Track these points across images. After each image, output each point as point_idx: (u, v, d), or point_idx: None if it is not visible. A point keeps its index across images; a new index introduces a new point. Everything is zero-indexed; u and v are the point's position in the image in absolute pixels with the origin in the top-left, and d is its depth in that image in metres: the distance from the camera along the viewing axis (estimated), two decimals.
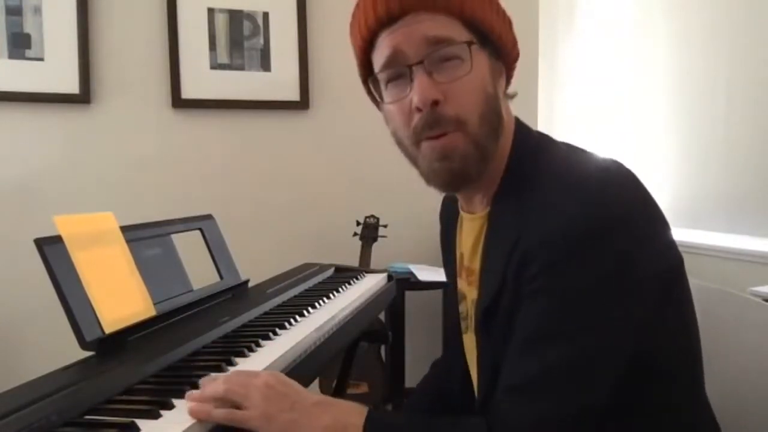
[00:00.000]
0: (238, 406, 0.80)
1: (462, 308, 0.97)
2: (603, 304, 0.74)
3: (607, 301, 0.74)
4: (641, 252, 0.76)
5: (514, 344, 0.78)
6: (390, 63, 0.82)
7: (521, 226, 0.78)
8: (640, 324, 0.77)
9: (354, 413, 0.80)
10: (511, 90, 0.90)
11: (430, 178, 0.85)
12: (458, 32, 0.80)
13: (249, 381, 0.82)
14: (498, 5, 0.85)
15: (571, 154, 0.85)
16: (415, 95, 0.80)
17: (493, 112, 0.82)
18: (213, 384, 0.82)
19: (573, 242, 0.74)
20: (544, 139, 0.89)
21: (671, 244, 0.82)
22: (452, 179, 0.84)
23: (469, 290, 0.93)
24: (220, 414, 0.79)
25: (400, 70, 0.82)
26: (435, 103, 0.79)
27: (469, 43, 0.80)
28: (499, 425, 0.76)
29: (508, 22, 0.86)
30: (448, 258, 1.05)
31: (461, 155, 0.81)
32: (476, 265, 0.89)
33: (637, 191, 0.79)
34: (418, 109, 0.80)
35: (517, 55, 0.88)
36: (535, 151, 0.85)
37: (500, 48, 0.84)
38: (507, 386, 0.77)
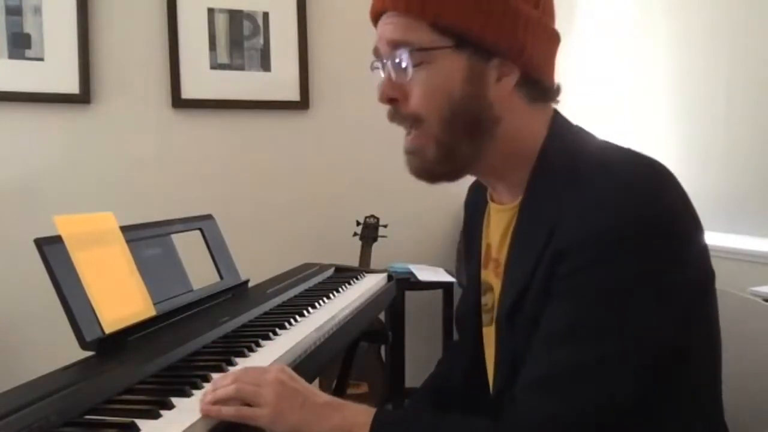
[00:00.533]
0: (248, 403, 0.81)
1: (486, 300, 0.95)
2: (635, 309, 0.74)
3: (639, 307, 0.74)
4: (681, 260, 0.75)
5: (537, 341, 0.77)
6: (374, 56, 0.88)
7: (556, 220, 0.77)
8: (669, 332, 0.76)
9: (362, 414, 0.81)
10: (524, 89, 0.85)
11: None
12: (421, 35, 0.80)
13: (260, 378, 0.83)
14: (490, 3, 0.80)
15: (614, 152, 0.83)
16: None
17: (459, 112, 0.82)
18: (223, 382, 0.83)
19: (614, 244, 0.73)
20: (585, 135, 0.87)
21: (707, 254, 0.81)
22: (418, 174, 0.87)
23: (496, 282, 0.91)
24: (230, 411, 0.81)
25: (380, 63, 0.86)
26: (392, 100, 0.84)
27: (425, 49, 0.80)
28: (509, 423, 0.76)
29: (508, 21, 0.81)
30: (471, 247, 1.02)
31: (424, 153, 0.84)
32: (504, 256, 0.88)
33: (683, 197, 0.78)
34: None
35: (530, 55, 0.83)
36: (573, 146, 0.84)
37: (490, 49, 0.81)
38: (524, 383, 0.77)
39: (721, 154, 2.23)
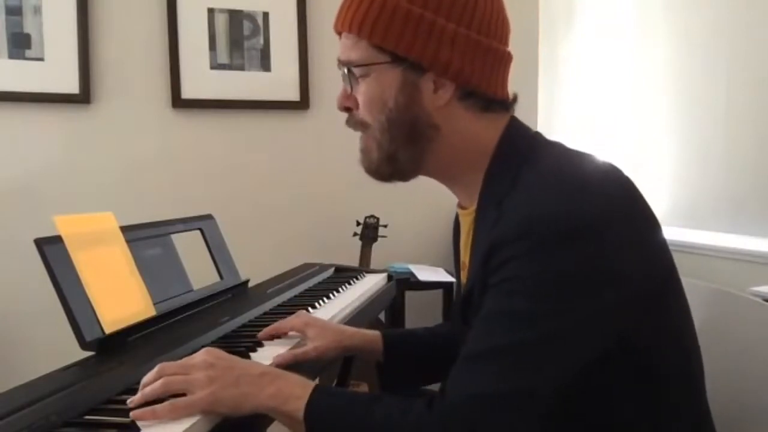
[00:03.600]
0: (182, 394, 0.80)
1: None
2: (561, 298, 0.75)
3: (565, 297, 0.75)
4: (612, 259, 0.76)
5: (471, 332, 0.80)
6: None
7: (496, 220, 0.81)
8: (601, 330, 0.77)
9: (299, 385, 0.82)
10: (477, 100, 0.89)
11: None
12: (362, 52, 0.88)
13: (186, 365, 0.83)
14: (417, 25, 0.84)
15: (562, 154, 0.87)
16: None
17: (395, 120, 0.89)
18: (148, 379, 0.83)
19: (538, 237, 0.75)
20: (537, 139, 0.90)
21: (657, 254, 0.82)
22: (368, 173, 0.95)
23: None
24: (165, 408, 0.78)
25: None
26: (346, 108, 0.93)
27: (365, 64, 0.88)
28: (439, 399, 0.77)
29: (433, 40, 0.85)
30: (456, 255, 1.08)
31: (370, 155, 0.93)
32: (468, 259, 0.92)
33: (621, 197, 0.80)
34: None
35: (459, 70, 0.86)
36: (523, 151, 0.87)
37: (422, 65, 0.86)
38: (454, 366, 0.79)
39: (721, 154, 2.23)
